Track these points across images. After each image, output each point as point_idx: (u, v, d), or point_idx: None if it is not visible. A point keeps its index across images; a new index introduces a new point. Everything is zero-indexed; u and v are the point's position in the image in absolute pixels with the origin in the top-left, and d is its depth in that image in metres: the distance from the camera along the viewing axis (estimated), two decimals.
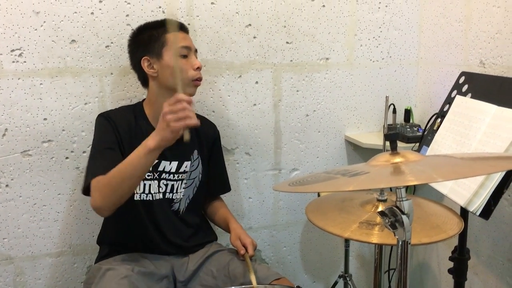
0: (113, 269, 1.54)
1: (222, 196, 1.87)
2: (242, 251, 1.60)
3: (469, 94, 1.56)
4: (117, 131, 1.57)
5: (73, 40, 1.72)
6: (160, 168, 1.64)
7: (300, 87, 2.02)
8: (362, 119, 2.14)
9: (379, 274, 1.52)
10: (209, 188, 1.77)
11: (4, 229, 1.76)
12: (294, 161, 2.08)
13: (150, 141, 1.33)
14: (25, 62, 1.68)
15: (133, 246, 1.64)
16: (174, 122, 1.27)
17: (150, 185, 1.63)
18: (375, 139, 2.04)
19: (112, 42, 1.77)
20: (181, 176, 1.67)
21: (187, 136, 1.30)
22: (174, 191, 1.67)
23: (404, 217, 0.97)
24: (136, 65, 1.64)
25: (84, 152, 1.79)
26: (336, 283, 2.00)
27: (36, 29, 1.68)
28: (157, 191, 1.64)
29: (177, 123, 1.27)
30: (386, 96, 1.61)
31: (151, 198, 1.63)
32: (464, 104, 1.54)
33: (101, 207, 1.43)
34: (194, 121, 1.29)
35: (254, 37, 1.92)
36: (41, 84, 1.71)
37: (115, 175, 1.38)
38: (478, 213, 1.30)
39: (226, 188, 1.86)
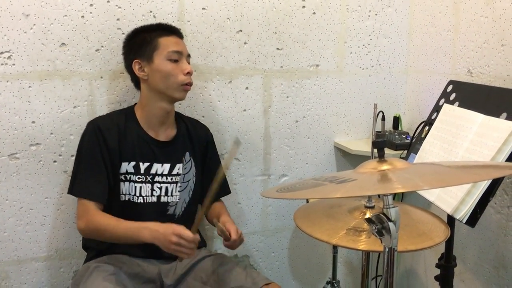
0: (101, 267, 1.55)
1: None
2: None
3: (457, 103, 1.58)
4: (105, 143, 1.59)
5: (63, 43, 1.72)
6: (153, 171, 1.64)
7: (290, 93, 2.03)
8: (352, 126, 2.15)
9: (367, 280, 1.53)
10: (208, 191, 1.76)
11: None
12: (283, 167, 2.09)
13: (146, 238, 1.46)
14: (14, 64, 1.67)
15: (120, 249, 1.64)
16: (173, 250, 1.43)
17: (141, 187, 1.63)
18: (364, 146, 2.05)
19: (102, 46, 1.76)
20: (175, 179, 1.67)
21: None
22: (169, 194, 1.67)
23: (391, 224, 0.98)
24: (128, 67, 1.66)
25: (72, 155, 1.77)
26: None
27: (25, 32, 1.67)
28: (150, 194, 1.64)
29: (175, 252, 1.44)
30: (375, 104, 1.63)
31: (142, 201, 1.63)
32: (451, 112, 1.56)
33: (84, 235, 1.64)
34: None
35: (245, 43, 1.93)
36: (29, 87, 1.70)
37: (106, 229, 1.52)
38: (464, 221, 1.32)
39: (226, 190, 1.86)
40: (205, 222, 1.92)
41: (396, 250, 1.00)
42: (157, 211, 1.65)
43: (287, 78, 2.02)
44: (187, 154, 1.71)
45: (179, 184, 1.68)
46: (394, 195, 1.00)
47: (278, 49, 1.98)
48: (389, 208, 0.99)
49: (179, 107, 1.85)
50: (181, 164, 1.69)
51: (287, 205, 2.11)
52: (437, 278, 1.57)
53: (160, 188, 1.65)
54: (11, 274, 1.79)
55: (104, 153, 1.59)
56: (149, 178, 1.63)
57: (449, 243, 1.51)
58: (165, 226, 1.44)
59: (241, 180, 2.04)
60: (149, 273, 1.62)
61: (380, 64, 2.13)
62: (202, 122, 1.84)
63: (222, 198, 1.85)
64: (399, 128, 2.12)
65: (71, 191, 1.61)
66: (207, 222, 1.85)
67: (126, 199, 1.62)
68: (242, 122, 1.99)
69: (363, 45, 2.09)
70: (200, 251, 1.74)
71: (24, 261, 1.80)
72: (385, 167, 1.02)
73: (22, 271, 1.80)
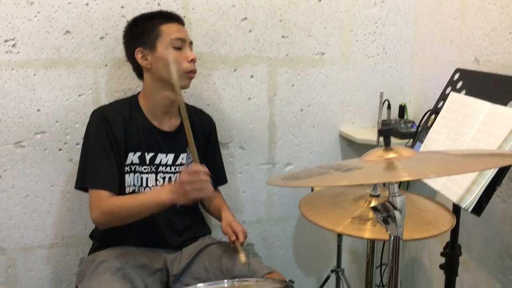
0: (107, 261, 1.54)
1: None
2: (233, 238, 1.60)
3: (463, 91, 1.57)
4: (111, 131, 1.57)
5: (67, 31, 1.71)
6: (157, 161, 1.64)
7: (295, 81, 2.02)
8: (357, 114, 2.14)
9: (371, 269, 1.53)
10: None
11: None
12: (288, 155, 2.08)
13: (165, 197, 1.42)
14: (18, 52, 1.67)
15: (126, 240, 1.64)
16: (191, 192, 1.38)
17: (147, 178, 1.62)
18: (369, 134, 2.04)
19: (106, 34, 1.75)
20: (178, 169, 1.67)
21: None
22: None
23: (396, 212, 0.98)
24: (130, 56, 1.63)
25: (77, 144, 1.78)
26: (328, 277, 2.01)
27: (30, 20, 1.66)
28: (155, 185, 1.64)
29: (194, 193, 1.38)
30: (381, 92, 1.62)
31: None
32: (458, 101, 1.54)
33: (101, 225, 1.55)
34: (210, 192, 1.42)
35: (250, 31, 1.92)
36: (34, 75, 1.70)
37: (122, 208, 1.48)
38: (470, 210, 1.31)
39: (223, 180, 1.86)
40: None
41: (401, 239, 1.00)
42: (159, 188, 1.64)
43: (292, 66, 2.00)
44: None
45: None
46: (400, 184, 0.99)
47: (283, 37, 1.96)
48: (395, 196, 0.98)
49: (183, 95, 1.84)
50: (184, 154, 1.68)
51: (291, 194, 2.11)
52: (442, 266, 1.57)
53: (164, 178, 1.65)
54: (17, 262, 1.81)
55: (112, 142, 1.56)
56: (153, 169, 1.63)
57: (455, 232, 1.51)
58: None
59: (246, 169, 2.04)
60: (155, 263, 1.63)
61: (386, 52, 2.11)
62: (206, 112, 1.83)
63: (223, 193, 1.86)
64: (405, 117, 2.11)
65: (83, 183, 1.56)
66: (211, 208, 1.85)
67: (131, 190, 1.61)
68: (247, 110, 1.98)
69: (369, 33, 2.07)
70: (204, 238, 1.75)
71: (30, 248, 1.81)
72: (391, 155, 1.01)
73: (29, 259, 1.82)
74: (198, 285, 1.35)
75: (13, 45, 1.66)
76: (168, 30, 1.58)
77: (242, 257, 1.51)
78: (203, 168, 1.40)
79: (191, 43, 1.65)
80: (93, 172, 1.54)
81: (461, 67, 1.72)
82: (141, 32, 1.59)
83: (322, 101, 2.08)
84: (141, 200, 1.48)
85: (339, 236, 1.98)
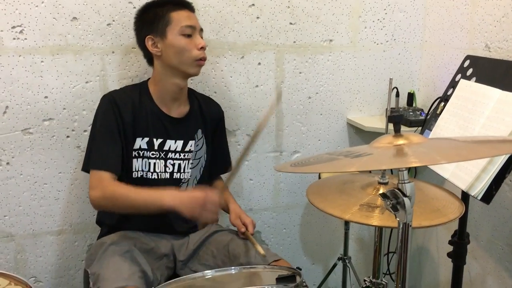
0: (115, 244, 1.56)
1: (223, 176, 1.87)
2: (243, 229, 1.61)
3: (474, 78, 1.55)
4: (120, 116, 1.57)
5: (74, 18, 1.70)
6: (166, 147, 1.64)
7: (303, 69, 2.01)
8: (365, 102, 2.12)
9: (379, 257, 1.53)
10: (211, 168, 1.77)
11: (5, 207, 1.76)
12: (295, 143, 2.07)
13: (167, 201, 1.42)
14: (25, 39, 1.67)
15: (134, 225, 1.65)
16: (200, 211, 1.39)
17: (155, 163, 1.63)
18: (378, 122, 2.03)
19: (113, 20, 1.75)
20: (187, 156, 1.67)
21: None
22: (182, 171, 1.67)
23: (406, 199, 0.97)
24: (141, 43, 1.63)
25: (85, 131, 1.78)
26: (335, 265, 2.01)
27: (37, 6, 1.66)
28: (163, 171, 1.64)
29: (201, 213, 1.40)
30: (390, 78, 1.60)
31: (156, 177, 1.63)
32: (468, 88, 1.53)
33: (98, 207, 1.56)
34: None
35: (257, 17, 1.90)
36: (42, 61, 1.70)
37: (123, 197, 1.48)
38: (479, 197, 1.30)
39: (227, 162, 1.86)
40: None
41: (410, 226, 0.99)
42: (170, 187, 1.65)
43: (300, 53, 1.99)
44: (199, 131, 1.70)
45: (190, 161, 1.68)
46: (408, 171, 0.98)
47: (291, 23, 1.95)
48: (405, 183, 0.97)
49: (191, 82, 1.84)
50: (193, 141, 1.68)
51: (299, 181, 2.11)
52: (449, 255, 1.57)
53: (173, 165, 1.65)
54: (26, 248, 1.82)
55: (120, 126, 1.57)
56: (162, 155, 1.63)
57: (463, 220, 1.51)
58: (189, 191, 1.46)
59: (253, 157, 2.03)
60: (162, 248, 1.64)
61: (395, 39, 2.09)
62: (214, 99, 1.83)
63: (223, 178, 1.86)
64: (413, 105, 2.09)
65: (87, 165, 1.57)
66: None
67: (139, 175, 1.61)
68: (254, 98, 1.97)
69: (378, 19, 2.05)
70: (211, 226, 1.75)
71: (39, 234, 1.83)
72: (401, 141, 1.00)
73: (38, 245, 1.83)
74: (206, 271, 1.36)
75: (20, 32, 1.66)
76: (179, 17, 1.57)
77: (261, 249, 1.52)
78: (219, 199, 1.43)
79: (201, 30, 1.64)
80: (97, 154, 1.55)
81: (472, 54, 1.70)
82: (152, 19, 1.58)
83: (330, 89, 2.06)
84: (145, 195, 1.47)
85: (346, 224, 1.98)
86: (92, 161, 1.56)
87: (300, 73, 2.01)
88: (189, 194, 1.43)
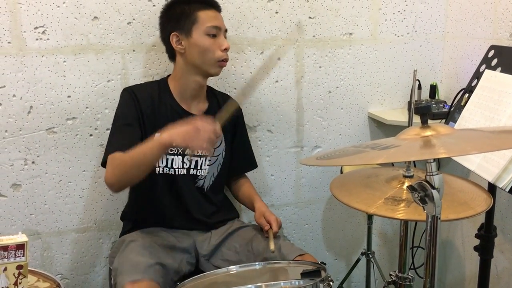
0: (136, 240, 1.58)
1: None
2: (267, 227, 1.61)
3: (499, 68, 1.52)
4: (139, 107, 1.59)
5: (95, 17, 1.72)
6: None
7: (322, 63, 1.99)
8: (386, 95, 2.10)
9: (405, 252, 1.51)
10: (234, 166, 1.77)
11: (31, 205, 1.79)
12: (316, 138, 2.06)
13: (164, 137, 1.38)
14: (48, 39, 1.69)
15: (156, 221, 1.66)
16: (194, 140, 1.34)
17: (173, 159, 1.63)
18: (399, 115, 2.01)
19: (134, 19, 1.76)
20: (205, 153, 1.67)
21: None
22: (198, 167, 1.67)
23: (434, 191, 0.96)
24: (165, 39, 1.64)
25: (107, 129, 1.79)
26: (358, 260, 2.00)
27: (58, 6, 1.68)
28: (181, 167, 1.65)
29: (196, 142, 1.34)
30: (414, 70, 1.56)
31: (173, 173, 1.64)
32: (493, 78, 1.50)
33: (112, 184, 1.49)
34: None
35: (276, 12, 1.89)
36: (64, 61, 1.72)
37: (127, 159, 1.44)
38: (507, 189, 1.28)
39: (253, 165, 1.86)
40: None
41: (439, 218, 0.98)
42: (187, 183, 1.66)
43: (320, 47, 1.97)
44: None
45: (208, 158, 1.68)
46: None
47: (310, 17, 1.93)
48: (433, 175, 0.96)
49: (211, 79, 1.83)
50: None
51: (320, 176, 2.10)
52: (476, 248, 1.55)
53: (190, 161, 1.66)
54: (52, 245, 1.85)
55: (140, 118, 1.58)
56: (180, 151, 1.64)
57: (490, 212, 1.48)
58: (183, 122, 1.40)
59: (274, 152, 2.03)
60: (184, 243, 1.65)
61: (416, 31, 2.06)
62: (232, 97, 1.82)
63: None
64: (436, 97, 2.06)
65: (105, 157, 1.54)
66: (240, 196, 1.85)
67: (161, 171, 1.63)
68: (274, 93, 1.97)
69: (399, 11, 2.02)
70: (233, 222, 1.76)
71: (64, 232, 1.85)
72: (428, 133, 0.99)
73: (63, 242, 1.86)
74: (231, 266, 1.36)
75: (43, 32, 1.68)
76: (205, 17, 1.57)
77: (272, 244, 1.52)
78: (219, 130, 1.39)
79: (225, 30, 1.64)
80: (114, 141, 1.55)
81: (496, 43, 1.67)
82: (178, 16, 1.58)
83: (350, 83, 2.04)
84: (145, 144, 1.43)
85: (369, 218, 1.96)
86: (107, 149, 1.56)
87: (320, 67, 1.99)
88: (182, 124, 1.38)
